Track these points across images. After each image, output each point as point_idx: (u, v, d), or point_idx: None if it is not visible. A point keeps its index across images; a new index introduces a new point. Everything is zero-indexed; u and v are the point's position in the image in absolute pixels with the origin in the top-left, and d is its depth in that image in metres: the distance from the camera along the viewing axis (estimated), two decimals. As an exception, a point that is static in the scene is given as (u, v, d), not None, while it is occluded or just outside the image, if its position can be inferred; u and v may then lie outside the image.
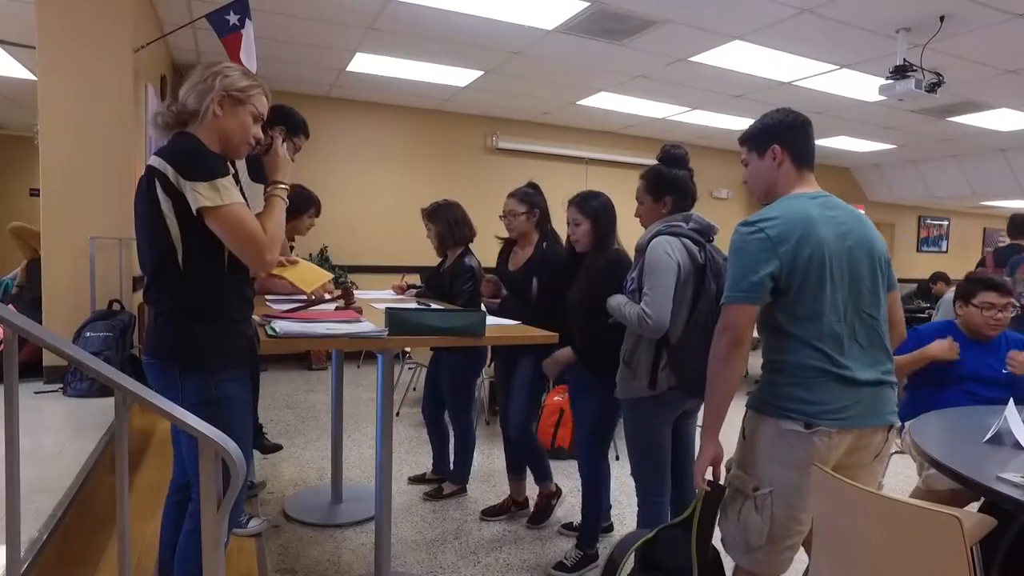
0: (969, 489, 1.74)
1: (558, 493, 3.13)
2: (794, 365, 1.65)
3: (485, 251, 3.27)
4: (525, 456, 3.07)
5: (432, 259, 3.46)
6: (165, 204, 1.55)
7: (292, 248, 3.60)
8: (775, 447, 1.66)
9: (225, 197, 1.55)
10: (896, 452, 2.90)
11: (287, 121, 2.90)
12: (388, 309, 2.01)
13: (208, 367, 1.63)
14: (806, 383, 1.63)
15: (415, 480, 3.54)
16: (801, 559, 2.75)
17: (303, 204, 3.39)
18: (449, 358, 3.20)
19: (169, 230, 1.57)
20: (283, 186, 1.81)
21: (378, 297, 3.29)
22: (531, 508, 3.13)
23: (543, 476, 3.07)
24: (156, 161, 1.58)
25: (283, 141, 2.91)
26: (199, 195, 1.53)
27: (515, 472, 3.15)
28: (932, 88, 4.49)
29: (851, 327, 1.66)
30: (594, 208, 2.58)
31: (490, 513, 3.13)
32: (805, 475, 1.61)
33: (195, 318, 1.63)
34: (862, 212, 1.85)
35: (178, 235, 1.57)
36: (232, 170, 1.64)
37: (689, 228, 2.24)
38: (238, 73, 1.70)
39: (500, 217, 3.02)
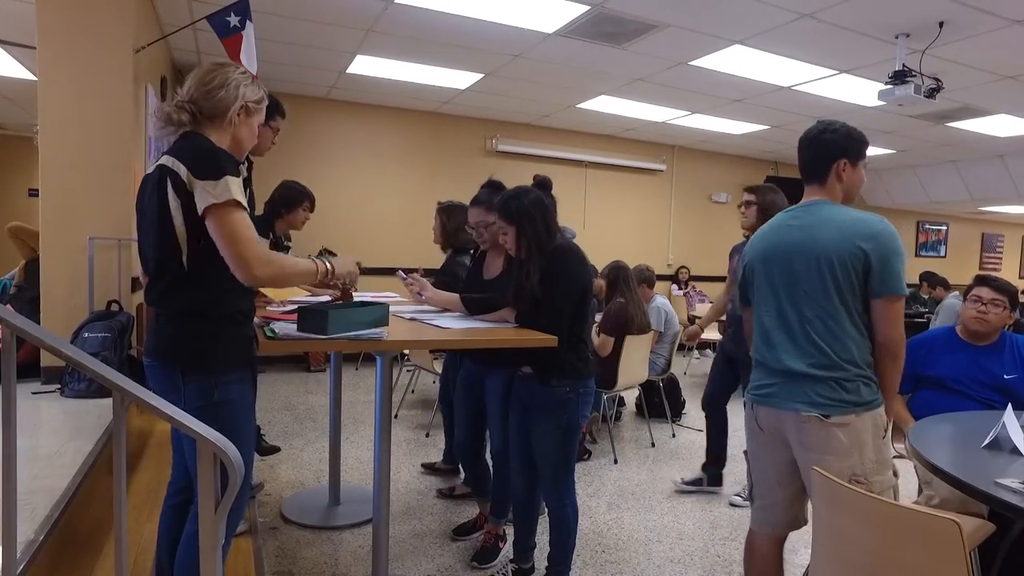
0: (967, 494, 1.74)
1: (504, 537, 2.84)
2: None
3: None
4: (496, 484, 2.81)
5: (431, 261, 3.47)
6: (174, 203, 1.55)
7: (289, 248, 3.61)
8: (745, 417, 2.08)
9: (223, 194, 1.52)
10: (896, 457, 2.90)
11: None
12: (300, 308, 1.95)
13: (211, 369, 1.63)
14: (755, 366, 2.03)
15: (427, 467, 3.56)
16: (801, 560, 2.75)
17: (295, 198, 3.40)
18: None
19: (175, 229, 1.56)
20: (328, 266, 1.82)
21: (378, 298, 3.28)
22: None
23: (499, 512, 2.81)
24: (169, 160, 1.58)
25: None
26: (207, 194, 1.52)
27: (482, 496, 2.97)
28: (931, 93, 4.50)
29: (781, 320, 1.92)
30: (513, 211, 2.30)
31: (462, 532, 2.97)
32: (754, 441, 2.03)
33: (198, 319, 1.62)
34: (842, 213, 1.89)
35: (184, 235, 1.57)
36: (244, 174, 1.63)
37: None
38: (252, 83, 1.75)
39: (467, 228, 2.75)
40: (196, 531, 1.60)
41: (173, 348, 1.63)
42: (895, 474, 1.91)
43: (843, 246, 1.82)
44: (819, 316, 1.84)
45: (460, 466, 3.41)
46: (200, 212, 1.53)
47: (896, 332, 1.84)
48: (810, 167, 1.99)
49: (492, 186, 2.71)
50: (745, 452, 2.14)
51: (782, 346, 1.90)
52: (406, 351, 5.09)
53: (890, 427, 1.91)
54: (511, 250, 2.37)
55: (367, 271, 7.06)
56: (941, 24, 4.11)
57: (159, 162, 1.61)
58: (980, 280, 2.69)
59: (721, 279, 9.66)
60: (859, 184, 2.00)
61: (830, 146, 1.94)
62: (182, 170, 1.54)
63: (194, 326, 1.62)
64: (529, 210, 2.30)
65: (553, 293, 2.27)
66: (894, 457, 2.93)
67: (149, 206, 1.62)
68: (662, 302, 5.10)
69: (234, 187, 1.55)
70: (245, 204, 1.59)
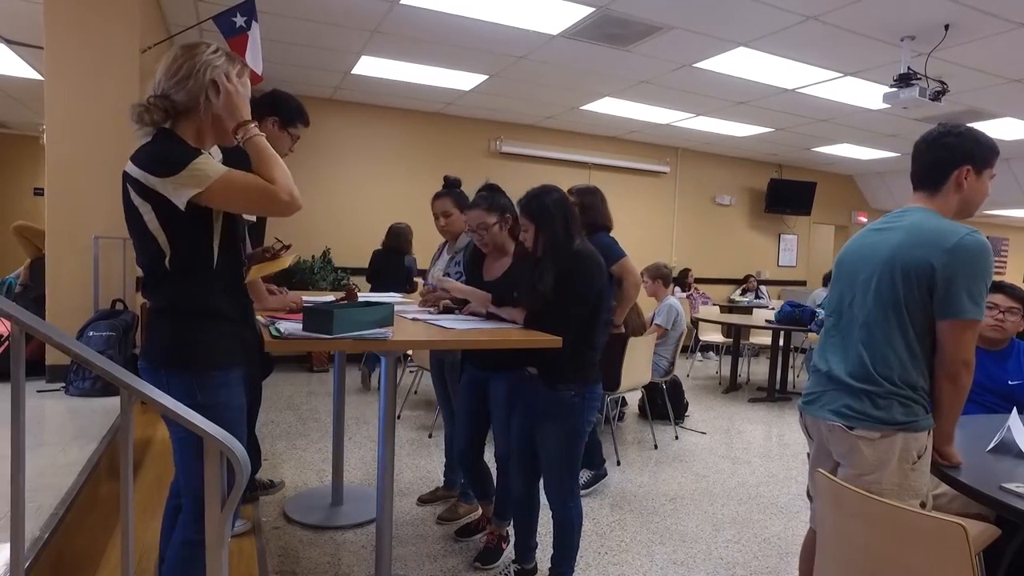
0: (972, 498, 1.73)
1: (508, 537, 2.83)
2: None
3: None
4: (499, 486, 2.81)
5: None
6: (143, 207, 1.52)
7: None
8: None
9: (211, 173, 1.49)
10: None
11: (279, 111, 2.66)
12: (305, 308, 1.95)
13: (193, 369, 1.58)
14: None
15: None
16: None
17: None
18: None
19: (153, 235, 1.53)
20: (252, 124, 1.62)
21: (380, 299, 3.29)
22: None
23: (502, 514, 2.82)
24: (130, 167, 1.53)
25: (275, 126, 2.63)
26: (182, 189, 1.48)
27: (484, 498, 2.96)
28: (936, 97, 4.50)
29: (838, 324, 1.87)
30: (534, 209, 2.33)
31: (465, 532, 2.98)
32: (809, 446, 2.01)
33: (179, 316, 1.59)
34: (934, 221, 1.71)
35: (164, 238, 1.53)
36: (204, 153, 1.58)
37: None
38: (225, 58, 1.62)
39: (468, 232, 2.76)
40: (186, 539, 1.60)
41: (157, 346, 1.60)
42: (923, 504, 1.73)
43: (911, 257, 1.68)
44: (867, 324, 1.76)
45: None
46: (183, 207, 1.48)
47: (959, 356, 1.66)
48: (924, 173, 1.82)
49: (489, 188, 2.72)
50: (808, 454, 2.10)
51: (832, 350, 1.85)
52: (409, 352, 5.09)
53: (928, 454, 1.74)
54: (532, 249, 2.36)
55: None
56: (946, 27, 4.11)
57: (124, 169, 1.56)
58: (996, 287, 2.59)
59: (722, 281, 9.71)
60: (982, 197, 1.80)
61: (953, 150, 1.76)
62: (140, 174, 1.50)
63: (175, 323, 1.59)
64: (550, 209, 2.31)
65: (566, 296, 2.27)
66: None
67: (126, 213, 1.58)
68: (674, 301, 5.12)
69: (208, 165, 1.50)
70: (225, 167, 1.53)
